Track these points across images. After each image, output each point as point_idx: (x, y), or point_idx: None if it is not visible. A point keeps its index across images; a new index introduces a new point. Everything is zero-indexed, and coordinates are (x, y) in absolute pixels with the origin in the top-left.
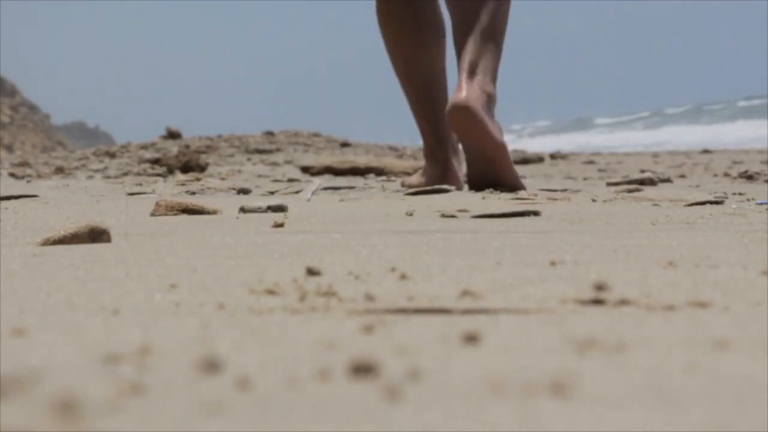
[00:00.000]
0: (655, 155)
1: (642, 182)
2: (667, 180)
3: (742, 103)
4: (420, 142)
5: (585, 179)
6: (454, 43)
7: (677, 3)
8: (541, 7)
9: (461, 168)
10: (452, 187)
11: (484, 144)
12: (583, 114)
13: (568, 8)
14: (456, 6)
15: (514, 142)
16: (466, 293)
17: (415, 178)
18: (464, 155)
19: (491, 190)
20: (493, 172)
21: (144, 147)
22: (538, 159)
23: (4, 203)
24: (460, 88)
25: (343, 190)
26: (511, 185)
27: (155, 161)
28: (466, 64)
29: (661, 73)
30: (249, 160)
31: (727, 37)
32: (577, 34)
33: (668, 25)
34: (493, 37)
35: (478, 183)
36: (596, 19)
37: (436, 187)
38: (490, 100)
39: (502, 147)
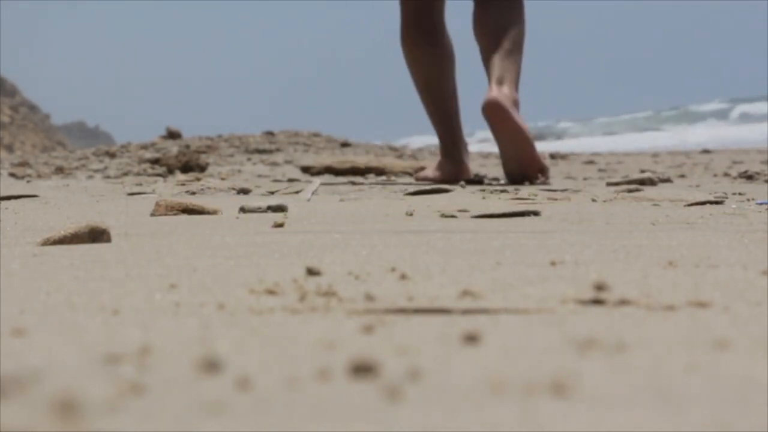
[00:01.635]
0: (655, 155)
1: (642, 182)
2: (667, 180)
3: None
4: (416, 144)
5: (585, 179)
6: (483, 60)
7: (623, 6)
8: None
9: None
10: (452, 187)
11: (515, 133)
12: (548, 120)
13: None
14: (483, 33)
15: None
16: (466, 293)
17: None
18: (499, 151)
19: (522, 184)
20: (524, 162)
21: (144, 147)
22: None
23: (4, 203)
24: (490, 89)
25: (343, 190)
26: (540, 168)
27: (155, 161)
28: (494, 77)
29: (620, 79)
30: (249, 160)
31: (686, 43)
32: (536, 40)
33: (626, 30)
34: (515, 54)
35: (513, 174)
36: (552, 25)
37: (436, 187)
38: (515, 103)
39: (529, 137)
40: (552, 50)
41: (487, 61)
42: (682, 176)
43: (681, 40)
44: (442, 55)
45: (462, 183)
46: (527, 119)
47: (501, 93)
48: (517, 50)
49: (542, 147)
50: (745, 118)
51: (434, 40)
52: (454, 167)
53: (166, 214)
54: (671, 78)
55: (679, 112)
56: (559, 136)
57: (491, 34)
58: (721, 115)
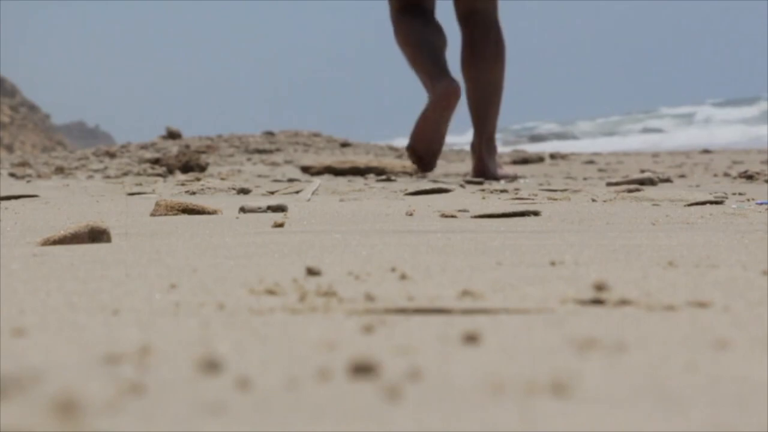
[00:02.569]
0: (655, 155)
1: (642, 182)
2: (667, 180)
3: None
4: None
5: (585, 179)
6: (467, 98)
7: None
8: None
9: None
10: (452, 187)
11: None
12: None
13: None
14: (470, 79)
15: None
16: (466, 293)
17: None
18: None
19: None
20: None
21: (144, 147)
22: (538, 159)
23: (4, 203)
24: (481, 161)
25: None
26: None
27: (155, 161)
28: (480, 134)
29: (607, 80)
30: (249, 160)
31: (659, 46)
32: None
33: (614, 32)
34: (497, 98)
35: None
36: (523, 25)
37: (436, 187)
38: (494, 152)
39: (500, 174)
40: (548, 51)
41: (471, 105)
42: (682, 176)
43: (660, 44)
44: (434, 28)
45: (462, 183)
46: (519, 121)
47: (489, 166)
48: (497, 99)
49: (542, 147)
50: (708, 121)
51: (425, 17)
52: (445, 87)
53: (166, 214)
54: (645, 81)
55: (650, 115)
56: (560, 135)
57: (478, 82)
58: (687, 119)
